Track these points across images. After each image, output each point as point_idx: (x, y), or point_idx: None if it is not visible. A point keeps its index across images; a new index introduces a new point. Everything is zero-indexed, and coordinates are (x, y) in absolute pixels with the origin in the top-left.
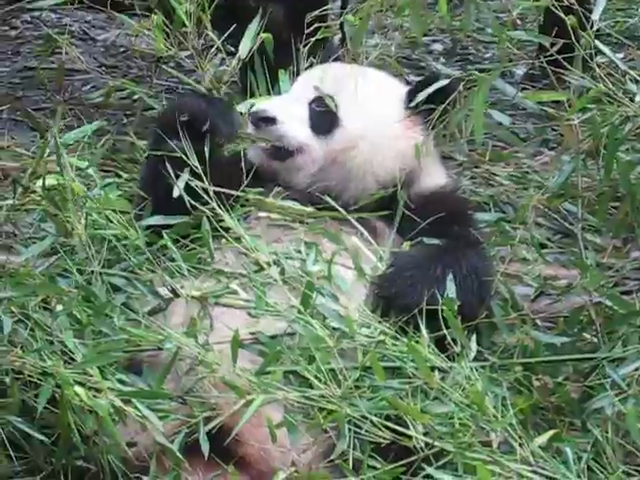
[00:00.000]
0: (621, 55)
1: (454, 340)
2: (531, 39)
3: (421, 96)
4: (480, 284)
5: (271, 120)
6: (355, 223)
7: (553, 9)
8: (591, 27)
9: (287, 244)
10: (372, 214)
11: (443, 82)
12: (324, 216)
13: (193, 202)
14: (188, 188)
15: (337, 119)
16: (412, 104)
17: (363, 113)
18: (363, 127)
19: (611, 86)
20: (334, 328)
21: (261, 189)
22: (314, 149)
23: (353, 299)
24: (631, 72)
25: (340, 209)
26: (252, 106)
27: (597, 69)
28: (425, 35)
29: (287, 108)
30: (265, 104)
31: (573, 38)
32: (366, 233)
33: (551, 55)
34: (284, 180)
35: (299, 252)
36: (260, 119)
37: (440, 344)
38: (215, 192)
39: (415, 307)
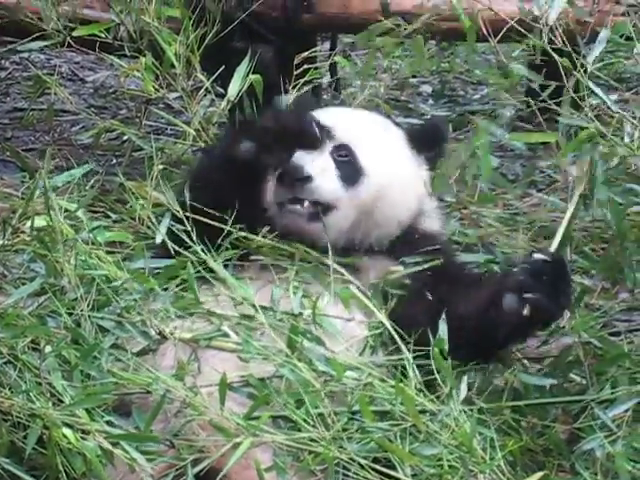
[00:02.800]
0: (614, 97)
1: (443, 381)
2: (524, 76)
3: (423, 139)
4: None
5: (307, 179)
6: (336, 266)
7: (548, 49)
8: (582, 68)
9: (275, 288)
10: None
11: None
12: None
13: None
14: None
15: (361, 168)
16: (415, 147)
17: (383, 159)
18: (387, 173)
19: (600, 127)
20: (322, 372)
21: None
22: (347, 203)
23: (339, 342)
24: (623, 113)
25: (311, 251)
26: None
27: (589, 111)
28: (414, 77)
29: (314, 161)
30: (296, 159)
31: (565, 79)
32: (347, 275)
33: (541, 96)
34: (313, 240)
35: (287, 295)
36: (297, 180)
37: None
38: (203, 233)
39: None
